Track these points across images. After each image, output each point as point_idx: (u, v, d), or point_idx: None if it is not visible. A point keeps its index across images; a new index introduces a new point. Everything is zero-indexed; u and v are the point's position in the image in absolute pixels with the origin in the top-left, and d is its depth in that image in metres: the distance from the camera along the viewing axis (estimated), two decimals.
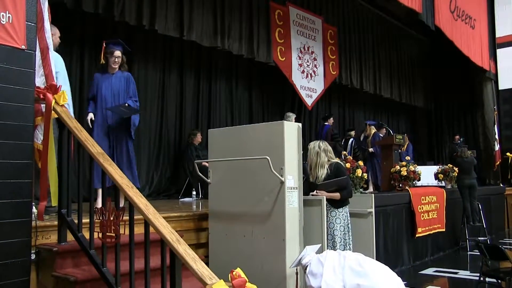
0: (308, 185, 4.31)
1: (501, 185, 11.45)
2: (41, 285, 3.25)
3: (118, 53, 4.46)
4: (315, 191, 4.21)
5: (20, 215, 2.94)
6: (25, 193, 2.99)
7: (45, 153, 3.41)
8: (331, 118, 9.48)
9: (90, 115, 4.43)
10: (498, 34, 12.78)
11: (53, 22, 3.85)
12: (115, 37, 5.28)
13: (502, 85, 12.74)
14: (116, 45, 4.49)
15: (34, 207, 3.29)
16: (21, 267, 2.91)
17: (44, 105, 3.42)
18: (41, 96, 3.36)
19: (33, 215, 3.19)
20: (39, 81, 3.47)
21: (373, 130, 8.99)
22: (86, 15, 6.40)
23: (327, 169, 4.29)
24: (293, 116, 7.85)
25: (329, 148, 4.43)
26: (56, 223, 3.36)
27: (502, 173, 12.01)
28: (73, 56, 6.57)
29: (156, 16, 6.68)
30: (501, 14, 12.76)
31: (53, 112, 3.38)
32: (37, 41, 3.34)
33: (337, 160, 4.52)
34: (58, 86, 3.45)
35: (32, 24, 3.14)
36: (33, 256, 3.16)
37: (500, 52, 12.79)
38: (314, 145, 4.41)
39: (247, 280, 2.13)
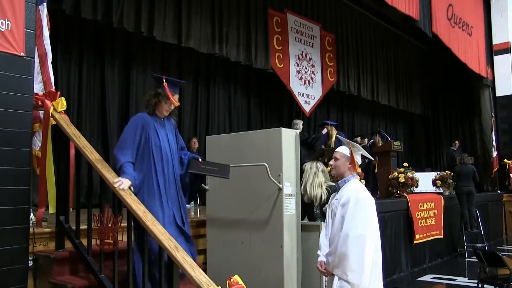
0: (303, 207, 4.14)
1: (499, 191, 11.46)
2: None
3: (177, 97, 3.25)
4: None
5: (18, 221, 2.93)
6: (23, 200, 2.99)
7: (43, 160, 3.41)
8: (325, 129, 9.05)
9: (128, 183, 2.89)
10: (495, 41, 12.86)
11: (52, 29, 3.85)
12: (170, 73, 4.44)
13: (499, 92, 12.80)
14: (177, 86, 3.31)
15: (31, 214, 3.29)
16: (18, 274, 2.90)
17: (43, 111, 3.43)
18: (40, 103, 3.37)
19: (30, 222, 3.19)
20: (38, 88, 3.48)
21: (334, 131, 8.30)
22: (84, 22, 6.42)
23: (326, 190, 4.14)
24: (300, 123, 7.82)
25: (326, 170, 4.32)
26: (54, 229, 3.35)
27: (499, 179, 12.02)
28: (71, 62, 6.58)
29: (154, 23, 6.70)
30: (498, 21, 12.85)
31: (51, 118, 3.39)
32: (36, 48, 3.36)
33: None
34: (56, 93, 3.47)
35: (31, 31, 3.16)
36: (30, 263, 3.15)
37: (497, 59, 12.86)
38: (311, 165, 4.29)
39: (245, 287, 2.13)
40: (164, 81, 3.11)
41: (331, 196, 3.11)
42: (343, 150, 3.02)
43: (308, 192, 4.19)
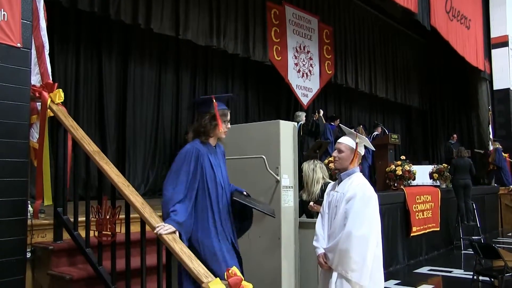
0: (302, 204, 4.18)
1: (495, 184, 11.52)
2: (37, 284, 3.25)
3: (228, 114, 2.86)
4: (312, 203, 4.05)
5: (16, 213, 2.93)
6: (21, 192, 2.99)
7: (40, 151, 3.40)
8: (338, 120, 9.35)
9: (171, 229, 2.48)
10: (493, 34, 12.85)
11: (49, 20, 3.82)
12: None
13: (497, 85, 12.82)
14: (225, 101, 2.91)
15: (29, 206, 3.29)
16: (16, 265, 2.91)
17: (40, 103, 3.41)
18: (37, 95, 3.35)
19: (28, 214, 3.19)
20: (35, 79, 3.47)
21: (323, 120, 8.33)
22: (81, 14, 6.38)
23: (321, 185, 4.15)
24: (303, 115, 7.78)
25: (324, 167, 4.38)
26: (52, 221, 3.35)
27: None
28: (68, 55, 6.55)
29: (151, 15, 6.66)
30: (496, 15, 12.84)
31: (48, 110, 3.38)
32: (33, 39, 3.34)
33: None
34: (54, 84, 3.45)
35: (28, 22, 3.14)
36: (28, 255, 3.15)
37: (494, 52, 12.86)
38: (309, 163, 4.31)
39: (243, 278, 2.14)
40: (214, 100, 2.72)
41: (329, 185, 3.06)
42: (348, 141, 2.86)
43: (308, 189, 4.20)
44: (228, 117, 2.83)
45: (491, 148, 11.98)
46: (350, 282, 2.67)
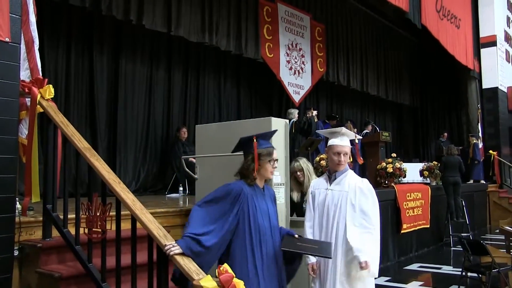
0: (293, 206, 4.15)
1: (483, 182, 11.66)
2: (25, 282, 3.20)
3: (275, 152, 2.70)
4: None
5: (4, 210, 2.90)
6: (9, 189, 2.95)
7: (29, 148, 3.36)
8: (335, 121, 9.40)
9: (179, 250, 2.30)
10: (482, 34, 13.01)
11: (39, 15, 3.76)
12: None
13: (486, 84, 12.97)
14: (269, 138, 2.77)
15: (17, 203, 3.25)
16: (3, 264, 2.87)
17: (29, 99, 3.37)
18: (26, 90, 3.31)
19: (16, 211, 3.16)
20: (24, 75, 3.42)
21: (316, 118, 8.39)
22: (72, 9, 6.31)
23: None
24: (295, 112, 7.78)
25: (311, 166, 4.40)
26: (40, 218, 3.32)
27: (484, 170, 12.21)
28: (59, 50, 6.47)
29: (143, 11, 6.61)
30: (485, 15, 12.99)
31: (38, 106, 3.34)
32: (22, 34, 3.30)
33: None
34: (43, 80, 3.41)
35: (17, 16, 3.09)
36: (16, 253, 3.11)
37: (483, 51, 13.01)
38: (307, 163, 4.26)
39: (234, 276, 2.14)
40: (255, 140, 2.58)
41: (314, 183, 3.07)
42: (349, 143, 2.97)
43: (305, 189, 4.16)
44: (275, 155, 2.64)
45: (480, 146, 12.11)
46: (357, 280, 2.80)
